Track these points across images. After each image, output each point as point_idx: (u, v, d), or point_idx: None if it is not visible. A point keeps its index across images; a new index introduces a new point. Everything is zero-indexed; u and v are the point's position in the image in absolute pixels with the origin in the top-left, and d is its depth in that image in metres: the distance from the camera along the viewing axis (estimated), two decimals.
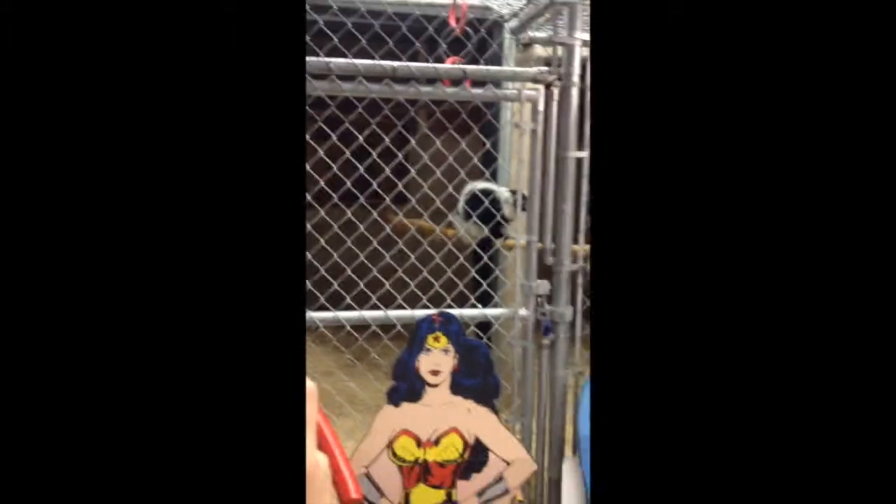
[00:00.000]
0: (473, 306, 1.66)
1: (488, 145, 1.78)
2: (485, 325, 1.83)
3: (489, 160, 2.08)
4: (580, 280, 1.57)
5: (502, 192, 1.88)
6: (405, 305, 1.58)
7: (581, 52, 1.49)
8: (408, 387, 1.43)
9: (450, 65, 1.52)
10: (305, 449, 0.36)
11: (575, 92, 1.49)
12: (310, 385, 0.37)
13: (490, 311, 1.64)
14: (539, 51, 1.83)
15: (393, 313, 1.54)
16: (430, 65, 1.48)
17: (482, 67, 1.54)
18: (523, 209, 1.69)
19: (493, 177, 2.10)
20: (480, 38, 1.82)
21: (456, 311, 1.47)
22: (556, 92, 1.51)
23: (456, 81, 1.50)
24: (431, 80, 1.49)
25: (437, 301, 1.65)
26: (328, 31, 1.56)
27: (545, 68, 1.51)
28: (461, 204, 2.00)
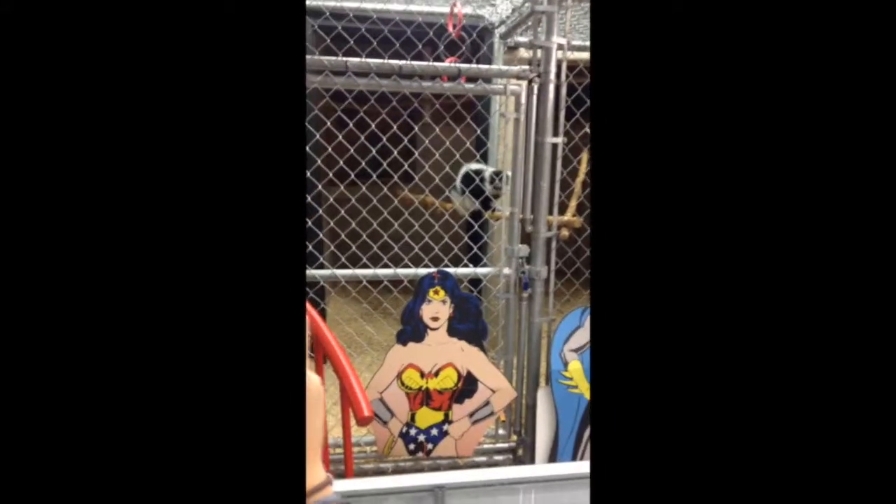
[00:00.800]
0: (466, 266, 1.71)
1: (479, 132, 1.79)
2: (475, 281, 1.89)
3: (481, 145, 2.09)
4: (553, 245, 1.64)
5: (488, 171, 1.90)
6: (410, 265, 1.64)
7: (557, 54, 1.53)
8: (413, 330, 1.54)
9: (447, 63, 1.53)
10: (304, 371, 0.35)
11: (551, 87, 1.53)
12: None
13: (480, 270, 1.71)
14: (523, 53, 1.82)
15: (401, 271, 1.61)
16: (430, 63, 1.50)
17: (474, 66, 1.55)
18: (504, 185, 1.69)
19: (484, 158, 2.09)
20: (473, 42, 1.80)
21: (452, 270, 1.55)
22: (535, 87, 1.55)
23: (452, 78, 1.52)
24: (432, 77, 1.51)
25: (436, 261, 1.72)
26: (345, 35, 1.59)
27: (527, 67, 1.55)
28: (458, 182, 1.98)
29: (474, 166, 1.96)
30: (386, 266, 1.63)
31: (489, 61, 2.04)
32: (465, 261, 1.76)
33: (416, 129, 1.62)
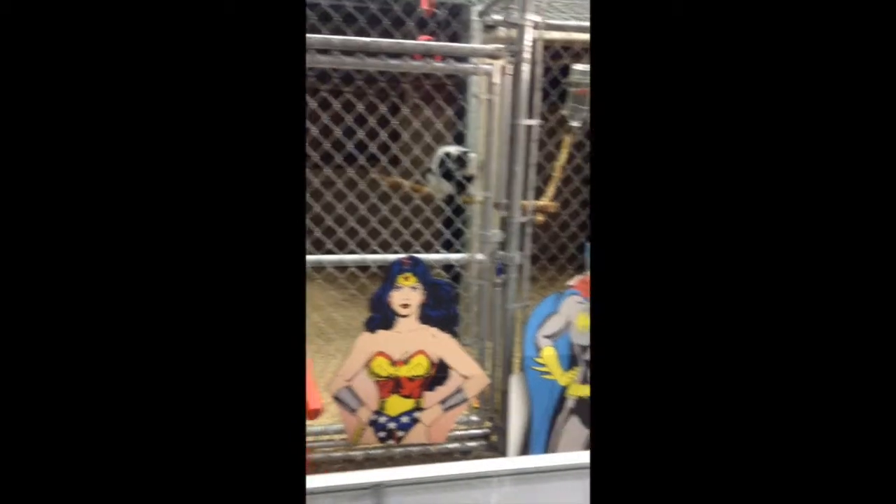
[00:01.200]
0: (437, 251, 1.66)
1: (450, 113, 1.74)
2: (448, 267, 1.86)
3: (455, 126, 2.01)
4: (528, 230, 1.58)
5: (455, 152, 1.83)
6: (379, 250, 1.58)
7: (532, 33, 1.44)
8: (382, 317, 1.48)
9: (418, 41, 1.45)
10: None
11: (525, 67, 1.45)
12: None
13: (452, 256, 1.65)
14: (502, 33, 1.77)
15: (369, 257, 1.55)
16: (398, 41, 1.40)
17: (446, 44, 1.48)
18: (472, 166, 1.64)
19: (459, 141, 1.99)
20: (447, 19, 1.73)
21: (423, 256, 1.48)
22: (510, 67, 1.47)
23: (424, 56, 1.42)
24: (400, 55, 1.41)
25: (406, 247, 1.64)
26: (307, 10, 1.48)
27: (500, 46, 1.46)
28: (435, 164, 1.89)
29: (449, 149, 1.87)
30: (353, 252, 1.57)
31: (466, 41, 1.92)
32: (437, 246, 1.72)
33: (386, 109, 1.52)
